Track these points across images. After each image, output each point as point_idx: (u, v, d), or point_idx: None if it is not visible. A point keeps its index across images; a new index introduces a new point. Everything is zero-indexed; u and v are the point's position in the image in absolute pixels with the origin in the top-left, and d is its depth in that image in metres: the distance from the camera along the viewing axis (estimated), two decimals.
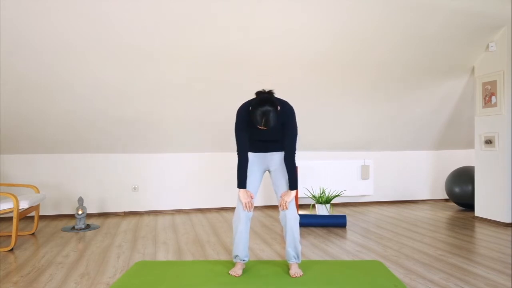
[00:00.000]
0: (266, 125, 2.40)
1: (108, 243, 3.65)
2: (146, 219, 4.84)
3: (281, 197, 2.68)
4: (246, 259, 2.72)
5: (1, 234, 3.98)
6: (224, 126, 4.92)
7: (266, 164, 2.77)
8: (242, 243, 2.68)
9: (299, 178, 5.53)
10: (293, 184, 2.63)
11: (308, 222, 4.25)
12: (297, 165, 5.17)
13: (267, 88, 4.47)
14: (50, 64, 3.75)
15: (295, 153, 2.63)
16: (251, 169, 2.74)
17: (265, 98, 2.43)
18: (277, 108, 2.42)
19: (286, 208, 2.62)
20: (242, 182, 2.65)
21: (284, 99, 2.61)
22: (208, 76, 4.20)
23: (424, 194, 6.17)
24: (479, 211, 4.66)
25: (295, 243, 2.66)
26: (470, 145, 6.19)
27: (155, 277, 2.64)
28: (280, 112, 2.54)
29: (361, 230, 4.14)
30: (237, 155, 2.63)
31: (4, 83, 3.85)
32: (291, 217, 2.63)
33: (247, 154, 2.62)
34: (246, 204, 2.64)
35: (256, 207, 5.54)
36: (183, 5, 3.38)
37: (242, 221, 2.66)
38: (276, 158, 2.74)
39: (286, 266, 2.84)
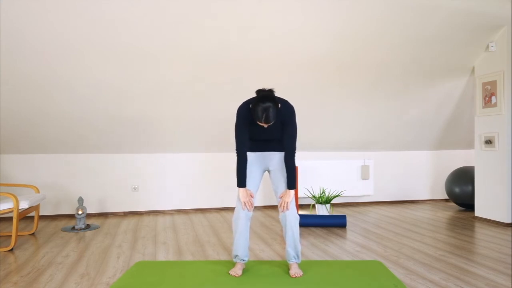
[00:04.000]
0: (266, 121, 2.42)
1: (108, 243, 3.65)
2: (146, 219, 4.84)
3: (280, 197, 2.68)
4: (246, 259, 2.72)
5: (1, 234, 3.98)
6: (224, 126, 4.92)
7: (266, 164, 2.77)
8: (242, 243, 2.68)
9: (299, 178, 5.53)
10: (291, 183, 2.64)
11: (308, 222, 4.25)
12: (297, 165, 5.18)
13: (267, 87, 4.49)
14: (50, 64, 3.75)
15: (295, 153, 2.64)
16: (251, 169, 2.74)
17: (266, 95, 2.45)
18: (277, 105, 2.45)
19: (287, 209, 2.63)
20: (242, 181, 2.65)
21: (285, 98, 2.63)
22: (208, 76, 4.20)
23: (424, 194, 6.17)
24: (479, 211, 4.66)
25: (295, 243, 2.66)
26: (470, 145, 6.19)
27: (155, 277, 2.63)
28: (280, 111, 2.55)
29: (361, 230, 4.14)
30: (236, 154, 2.63)
31: (4, 83, 3.85)
32: (291, 217, 2.63)
33: (246, 153, 2.63)
34: (245, 203, 2.64)
35: (256, 207, 5.54)
36: (183, 5, 3.38)
37: (241, 221, 2.66)
38: (276, 158, 2.74)
39: (286, 266, 2.84)
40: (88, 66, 3.85)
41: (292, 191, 2.64)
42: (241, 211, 2.65)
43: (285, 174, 2.71)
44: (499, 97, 4.36)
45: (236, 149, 2.63)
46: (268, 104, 2.40)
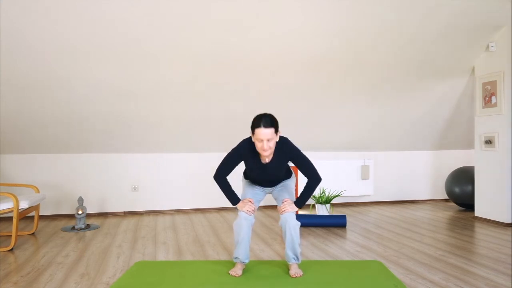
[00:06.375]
0: (265, 124, 2.42)
1: (108, 243, 3.65)
2: (146, 219, 4.84)
3: (283, 202, 2.65)
4: (247, 261, 2.71)
5: (1, 234, 3.98)
6: (224, 126, 4.92)
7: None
8: (244, 248, 2.66)
9: (299, 178, 5.52)
10: (301, 203, 2.65)
11: (308, 222, 4.25)
12: None
13: (267, 91, 4.50)
14: (50, 64, 3.75)
15: (320, 179, 2.63)
16: (253, 187, 2.82)
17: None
18: (276, 123, 2.49)
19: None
20: (234, 199, 2.67)
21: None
22: (208, 76, 4.20)
23: (424, 194, 6.17)
24: (479, 211, 4.66)
25: (293, 246, 2.63)
26: (470, 145, 6.19)
27: (155, 277, 2.64)
28: (283, 149, 2.58)
29: (361, 230, 4.14)
30: (214, 179, 2.64)
31: (4, 82, 3.85)
32: (291, 223, 2.58)
33: (225, 178, 2.64)
34: (248, 211, 2.62)
35: None
36: (183, 5, 3.38)
37: (244, 228, 2.62)
38: (279, 184, 2.83)
39: (286, 266, 2.83)
40: (88, 66, 3.84)
41: (296, 208, 2.64)
42: (243, 219, 2.62)
43: (289, 190, 2.75)
44: (499, 97, 4.36)
45: (215, 175, 2.63)
46: (265, 113, 2.50)
